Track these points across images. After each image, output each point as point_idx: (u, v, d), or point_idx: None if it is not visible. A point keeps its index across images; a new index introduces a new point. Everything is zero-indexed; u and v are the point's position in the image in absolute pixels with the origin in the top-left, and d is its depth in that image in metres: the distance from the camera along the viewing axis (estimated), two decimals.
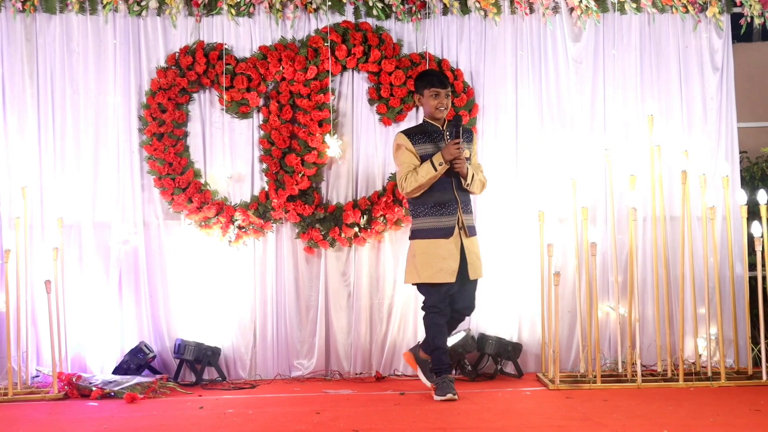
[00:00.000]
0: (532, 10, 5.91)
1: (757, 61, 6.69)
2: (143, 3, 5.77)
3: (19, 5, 5.69)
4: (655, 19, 5.94)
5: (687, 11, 5.91)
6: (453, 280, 4.96)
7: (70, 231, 5.72)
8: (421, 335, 5.73)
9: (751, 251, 5.51)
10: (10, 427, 4.52)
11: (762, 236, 5.36)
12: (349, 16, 5.87)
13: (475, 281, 5.10)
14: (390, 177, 5.83)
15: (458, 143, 4.91)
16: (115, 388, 5.20)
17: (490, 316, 5.74)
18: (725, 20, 5.95)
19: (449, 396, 4.88)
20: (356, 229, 5.75)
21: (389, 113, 5.81)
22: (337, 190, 5.89)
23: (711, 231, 5.50)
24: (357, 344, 5.82)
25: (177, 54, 5.80)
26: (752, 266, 5.58)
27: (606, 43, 5.94)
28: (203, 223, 5.77)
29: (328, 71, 5.79)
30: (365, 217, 5.76)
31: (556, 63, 5.92)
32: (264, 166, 5.82)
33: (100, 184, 5.79)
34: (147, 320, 5.76)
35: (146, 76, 5.83)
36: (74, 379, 5.27)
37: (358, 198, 5.84)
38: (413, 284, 5.14)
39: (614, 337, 5.65)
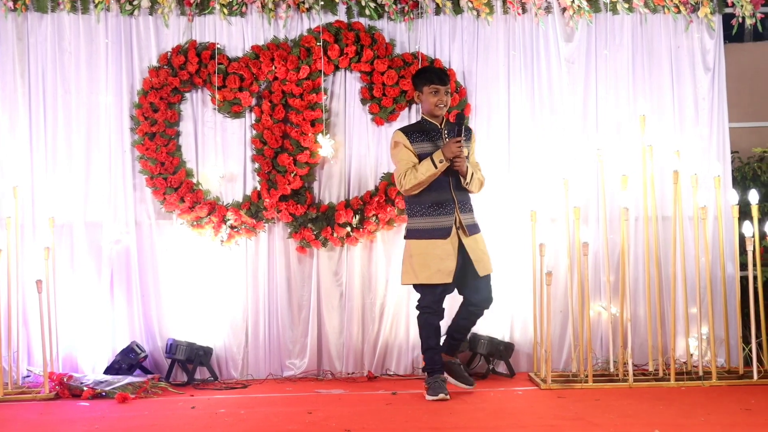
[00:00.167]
0: (524, 10, 5.92)
1: (748, 61, 6.70)
2: (135, 2, 5.76)
3: (10, 4, 5.68)
4: (647, 20, 5.95)
5: (679, 11, 5.92)
6: (450, 280, 4.95)
7: (61, 230, 5.71)
8: (413, 335, 5.76)
9: (743, 251, 5.52)
10: (1, 427, 4.51)
11: (753, 236, 5.37)
12: (342, 15, 5.87)
13: (487, 276, 5.06)
14: (382, 177, 5.83)
15: (459, 141, 4.89)
16: (107, 388, 5.19)
17: (483, 316, 5.74)
18: (717, 21, 5.96)
19: (441, 396, 4.88)
20: (348, 228, 5.75)
21: (382, 113, 5.81)
22: (329, 190, 5.89)
23: (702, 231, 5.51)
24: (349, 344, 5.82)
25: (169, 53, 5.79)
26: (743, 266, 5.60)
27: (598, 43, 5.95)
28: (195, 223, 5.77)
29: (320, 71, 5.79)
30: (357, 216, 5.76)
31: (548, 63, 5.93)
32: (256, 165, 5.82)
33: (91, 183, 5.78)
34: (138, 320, 5.75)
35: (138, 75, 5.82)
36: (65, 379, 5.26)
37: (351, 198, 5.84)
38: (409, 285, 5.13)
39: (606, 336, 5.66)
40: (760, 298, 5.39)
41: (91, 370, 5.64)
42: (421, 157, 4.96)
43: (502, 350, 5.63)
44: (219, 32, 5.85)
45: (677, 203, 5.48)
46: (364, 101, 5.86)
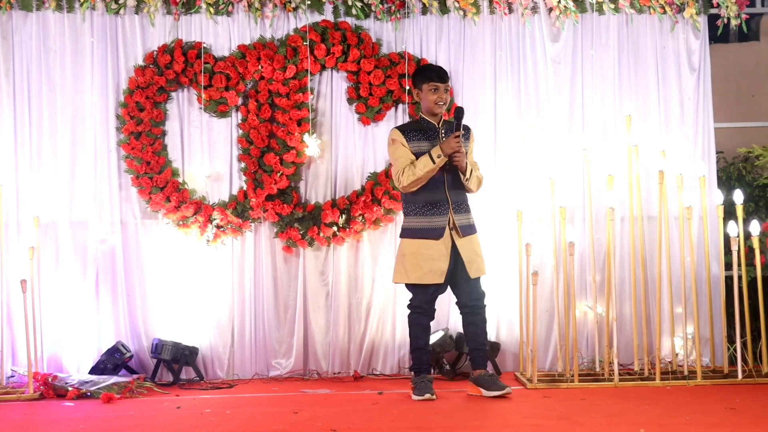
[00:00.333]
0: (511, 10, 5.92)
1: (733, 62, 6.73)
2: (121, 1, 5.74)
3: None
4: (633, 20, 5.96)
5: (665, 12, 5.95)
6: (441, 280, 4.93)
7: (46, 230, 5.68)
8: (399, 334, 5.77)
9: (728, 251, 5.54)
10: None
11: (738, 236, 5.39)
12: (328, 15, 5.87)
13: (477, 278, 5.04)
14: (369, 176, 5.83)
15: (458, 136, 4.87)
16: (92, 388, 5.16)
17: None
18: (702, 21, 5.98)
19: (427, 396, 4.87)
20: (335, 228, 5.75)
21: (368, 113, 5.81)
22: (315, 190, 5.88)
23: (688, 231, 5.53)
24: (335, 344, 5.81)
25: (155, 52, 5.77)
26: (728, 266, 5.61)
27: (584, 44, 5.96)
28: (181, 223, 5.75)
29: (307, 70, 5.78)
30: (344, 216, 5.75)
31: (534, 63, 5.94)
32: (242, 165, 5.81)
33: (77, 183, 5.76)
34: (124, 320, 5.73)
35: (124, 74, 5.80)
36: (50, 379, 5.23)
37: (337, 197, 5.84)
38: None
39: (592, 336, 5.67)
40: (744, 297, 5.42)
41: (76, 370, 5.61)
42: (417, 156, 4.94)
43: (488, 350, 5.62)
44: (205, 31, 5.84)
45: (663, 203, 5.50)
46: (350, 101, 5.85)
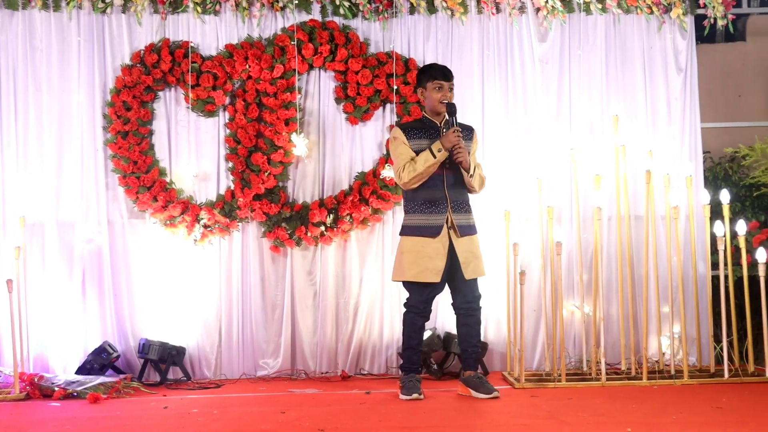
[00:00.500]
0: (498, 10, 5.93)
1: (720, 62, 6.76)
2: (108, 0, 5.72)
3: None
4: (621, 20, 5.98)
5: (652, 12, 5.96)
6: (438, 279, 4.91)
7: (32, 230, 5.66)
8: (387, 334, 5.77)
9: (714, 250, 5.57)
10: None
11: (724, 236, 5.42)
12: (316, 14, 5.86)
13: (474, 279, 5.02)
14: (357, 176, 5.82)
15: (457, 130, 4.85)
16: (78, 389, 5.14)
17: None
18: (689, 21, 6.00)
19: (415, 396, 4.87)
20: (322, 228, 5.74)
21: (356, 112, 5.81)
22: (303, 189, 5.87)
23: (675, 230, 5.55)
24: (323, 343, 5.81)
25: (142, 52, 5.76)
26: (715, 265, 5.64)
27: (572, 44, 5.97)
28: (168, 222, 5.74)
29: (294, 70, 5.77)
30: (331, 216, 5.75)
31: (522, 63, 5.95)
32: (230, 164, 5.79)
33: (63, 182, 5.73)
34: (111, 320, 5.71)
35: (111, 73, 5.78)
36: (36, 380, 5.21)
37: (325, 197, 5.83)
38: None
39: (579, 336, 5.68)
40: (731, 297, 5.44)
41: (63, 370, 5.59)
42: (418, 154, 4.92)
43: (480, 352, 5.62)
44: (192, 30, 5.83)
45: (650, 203, 5.52)
46: (338, 100, 5.85)
